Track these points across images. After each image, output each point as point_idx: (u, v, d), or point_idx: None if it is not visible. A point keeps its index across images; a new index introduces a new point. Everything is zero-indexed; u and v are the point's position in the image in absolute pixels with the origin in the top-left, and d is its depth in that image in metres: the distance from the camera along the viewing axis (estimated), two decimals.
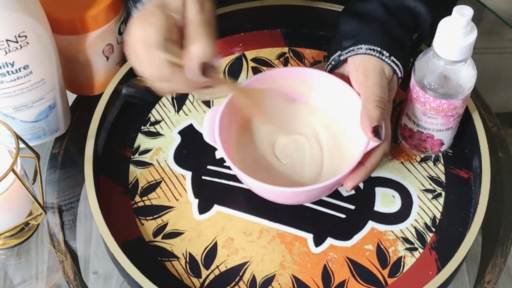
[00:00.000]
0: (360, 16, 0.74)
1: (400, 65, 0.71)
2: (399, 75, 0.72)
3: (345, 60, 0.73)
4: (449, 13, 0.65)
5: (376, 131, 0.67)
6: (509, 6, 1.09)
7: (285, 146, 0.74)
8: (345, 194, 0.75)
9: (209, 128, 0.70)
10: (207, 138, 0.71)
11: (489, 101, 0.84)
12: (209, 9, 0.65)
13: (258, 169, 0.72)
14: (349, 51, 0.72)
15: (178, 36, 0.64)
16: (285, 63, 0.85)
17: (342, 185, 0.70)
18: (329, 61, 0.75)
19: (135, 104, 0.82)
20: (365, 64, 0.70)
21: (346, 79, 0.73)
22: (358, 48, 0.71)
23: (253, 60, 0.86)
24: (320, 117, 0.75)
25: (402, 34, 0.73)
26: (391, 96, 0.72)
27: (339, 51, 0.73)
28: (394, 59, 0.71)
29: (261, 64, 0.85)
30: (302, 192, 0.68)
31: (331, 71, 0.74)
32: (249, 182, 0.69)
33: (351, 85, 0.72)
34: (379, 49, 0.70)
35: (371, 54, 0.70)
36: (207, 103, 0.82)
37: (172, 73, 0.63)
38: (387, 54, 0.70)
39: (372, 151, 0.69)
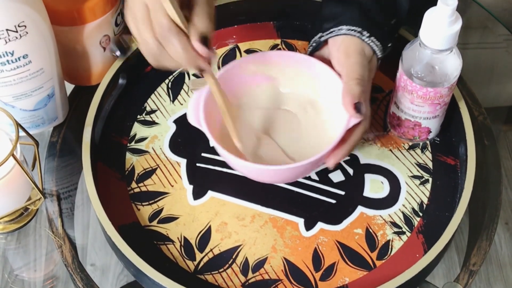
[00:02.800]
0: (341, 1, 0.76)
1: (379, 46, 0.73)
2: (378, 56, 0.74)
3: (326, 42, 0.75)
4: (431, 3, 0.67)
5: (357, 108, 0.69)
6: (497, 0, 1.10)
7: (268, 127, 0.77)
8: (335, 180, 0.77)
9: (194, 110, 0.72)
10: (192, 121, 0.72)
11: (482, 95, 0.86)
12: None
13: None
14: (330, 32, 0.74)
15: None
16: None
17: (324, 163, 0.72)
18: (310, 43, 0.77)
19: (131, 94, 0.84)
20: (346, 44, 0.73)
21: (326, 61, 0.75)
22: (339, 29, 0.73)
23: (246, 51, 0.88)
24: (302, 98, 0.78)
25: (381, 17, 0.75)
26: (370, 76, 0.74)
27: (320, 33, 0.75)
28: (374, 39, 0.73)
29: None
30: (286, 170, 0.69)
31: (311, 53, 0.77)
32: (234, 162, 0.71)
33: (331, 66, 0.74)
34: (359, 29, 0.73)
35: (352, 35, 0.73)
36: None
37: (170, 32, 0.63)
38: (367, 35, 0.73)
39: (352, 129, 0.71)
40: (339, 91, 0.71)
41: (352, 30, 0.73)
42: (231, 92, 0.76)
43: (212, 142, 0.70)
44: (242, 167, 0.72)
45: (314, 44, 0.76)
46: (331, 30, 0.74)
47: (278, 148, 0.75)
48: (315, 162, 0.69)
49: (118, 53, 0.72)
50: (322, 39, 0.75)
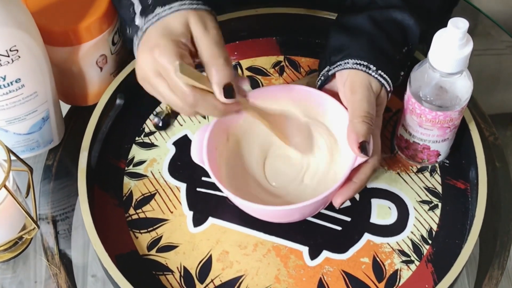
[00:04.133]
0: (349, 30, 0.73)
1: (388, 79, 0.70)
2: (388, 89, 0.71)
3: (334, 75, 0.72)
4: (440, 25, 0.65)
5: (362, 147, 0.66)
6: (503, 7, 1.09)
7: (275, 165, 0.74)
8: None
9: (198, 149, 0.70)
10: (195, 159, 0.70)
11: (487, 102, 0.84)
12: (213, 26, 0.65)
13: (248, 188, 0.72)
14: (336, 66, 0.71)
15: (192, 60, 0.64)
16: (281, 72, 0.85)
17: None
18: (319, 77, 0.74)
19: (129, 115, 0.81)
20: (352, 78, 0.70)
21: (335, 94, 0.72)
22: (345, 63, 0.70)
23: (249, 69, 0.85)
24: (311, 134, 0.75)
25: (390, 47, 0.72)
26: (380, 111, 0.71)
27: (328, 66, 0.72)
28: (382, 73, 0.70)
29: (257, 73, 0.85)
30: (289, 211, 0.67)
31: (321, 86, 0.74)
32: (236, 202, 0.69)
33: (340, 100, 0.71)
34: (366, 63, 0.70)
35: (358, 69, 0.70)
36: None
37: (197, 99, 0.62)
38: (374, 69, 0.70)
39: (360, 166, 0.68)
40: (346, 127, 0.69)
41: (359, 64, 0.70)
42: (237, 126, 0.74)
43: (215, 181, 0.68)
44: (245, 207, 0.69)
45: (322, 78, 0.73)
46: (338, 63, 0.71)
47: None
48: (319, 202, 0.67)
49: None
50: (330, 73, 0.72)
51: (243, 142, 0.74)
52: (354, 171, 0.68)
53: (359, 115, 0.67)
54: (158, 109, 0.81)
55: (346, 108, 0.70)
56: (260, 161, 0.74)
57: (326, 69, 0.73)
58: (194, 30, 0.64)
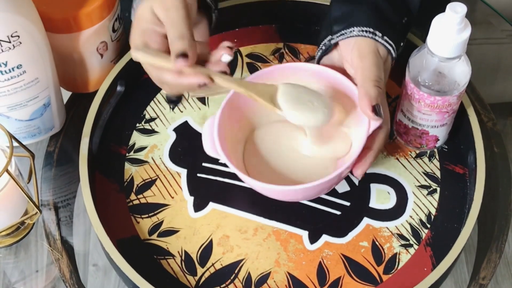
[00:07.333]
0: (350, 1, 0.73)
1: (393, 45, 0.71)
2: (393, 56, 0.71)
3: (336, 45, 0.72)
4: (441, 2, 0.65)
5: (376, 110, 0.66)
6: None
7: (287, 143, 0.74)
8: (340, 190, 0.75)
9: (210, 141, 0.70)
10: (209, 152, 0.70)
11: (487, 92, 0.84)
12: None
13: (265, 170, 0.72)
14: (340, 35, 0.71)
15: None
16: (280, 59, 0.85)
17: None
18: (320, 47, 0.74)
19: (130, 101, 0.82)
20: (360, 45, 0.69)
21: (336, 66, 0.72)
22: (351, 31, 0.70)
23: (248, 56, 0.85)
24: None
25: (393, 16, 0.72)
26: (385, 78, 0.71)
27: (330, 36, 0.72)
28: (388, 39, 0.70)
29: (256, 60, 0.85)
30: (312, 187, 0.66)
31: (320, 57, 0.74)
32: (257, 187, 0.69)
33: (343, 72, 0.71)
34: (372, 30, 0.70)
35: (364, 36, 0.70)
36: (202, 100, 0.82)
37: (158, 75, 0.66)
38: (380, 35, 0.70)
39: (374, 134, 0.68)
40: (355, 98, 0.69)
41: (365, 31, 0.70)
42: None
43: (233, 170, 0.68)
44: (264, 190, 0.69)
45: (323, 48, 0.73)
46: (342, 32, 0.71)
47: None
48: (341, 174, 0.67)
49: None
50: (333, 41, 0.72)
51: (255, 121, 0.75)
52: (369, 139, 0.67)
53: (371, 79, 0.67)
54: None
55: (352, 82, 0.70)
56: (274, 141, 0.75)
57: (327, 38, 0.72)
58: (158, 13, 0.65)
